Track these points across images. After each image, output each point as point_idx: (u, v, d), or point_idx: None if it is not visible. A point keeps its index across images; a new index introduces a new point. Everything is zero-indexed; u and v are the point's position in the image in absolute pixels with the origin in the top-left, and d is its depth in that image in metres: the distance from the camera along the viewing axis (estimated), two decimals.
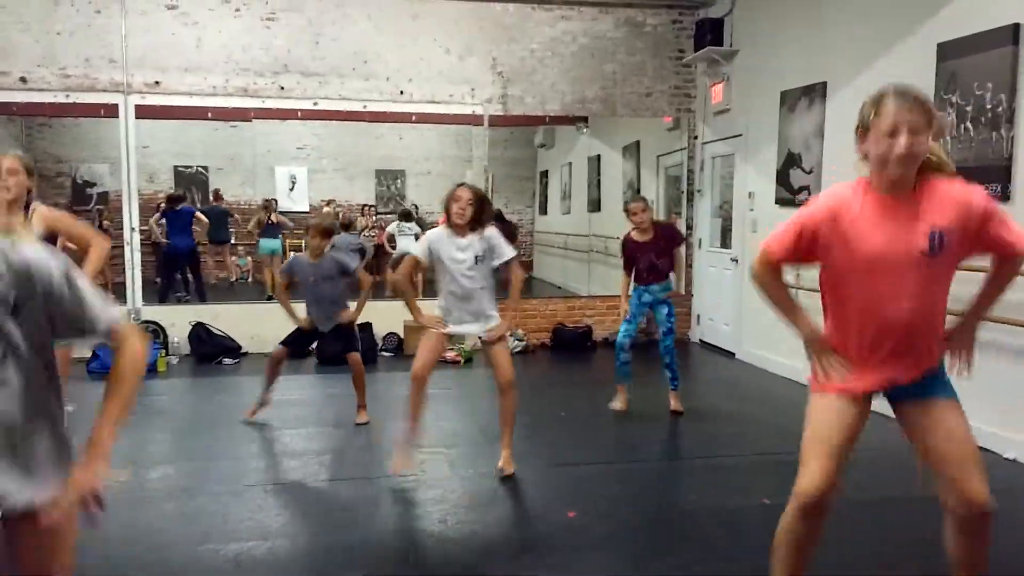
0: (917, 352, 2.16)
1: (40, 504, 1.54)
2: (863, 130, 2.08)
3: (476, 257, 3.86)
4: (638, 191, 9.43)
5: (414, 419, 3.99)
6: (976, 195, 2.09)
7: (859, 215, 2.10)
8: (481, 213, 3.85)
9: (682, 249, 5.24)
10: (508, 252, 3.96)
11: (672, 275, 5.21)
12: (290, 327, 5.02)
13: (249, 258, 10.34)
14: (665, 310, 5.15)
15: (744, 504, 3.59)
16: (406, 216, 9.44)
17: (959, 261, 2.14)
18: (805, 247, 2.17)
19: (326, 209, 10.15)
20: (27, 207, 3.25)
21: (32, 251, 1.51)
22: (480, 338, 4.00)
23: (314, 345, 5.68)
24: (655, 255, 5.10)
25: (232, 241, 10.91)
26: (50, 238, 3.27)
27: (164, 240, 9.01)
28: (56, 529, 1.55)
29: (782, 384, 6.14)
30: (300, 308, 5.03)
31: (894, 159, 2.00)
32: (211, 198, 10.86)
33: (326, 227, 5.05)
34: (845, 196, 2.14)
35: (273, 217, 9.74)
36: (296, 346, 5.09)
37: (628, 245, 5.20)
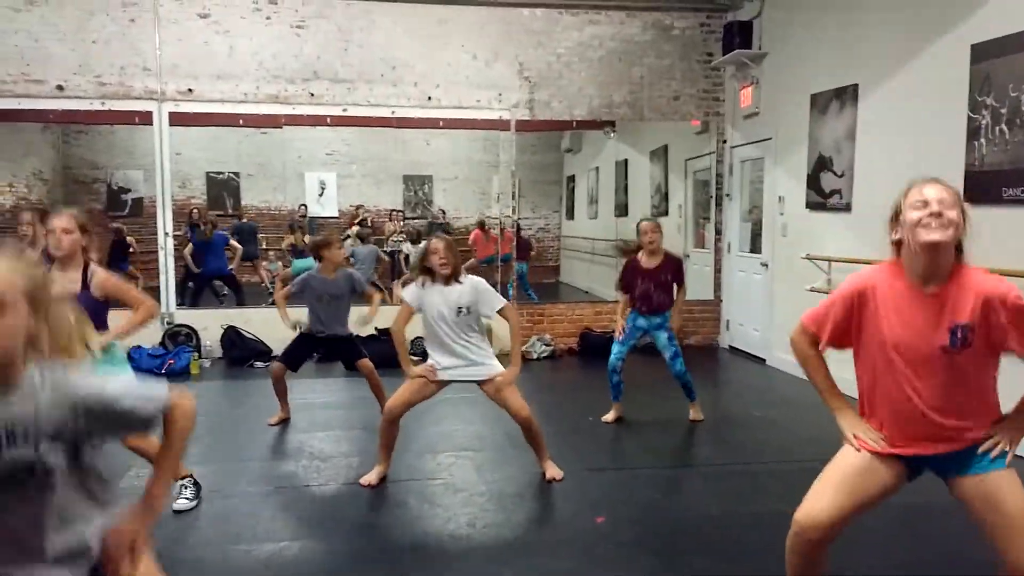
0: (948, 437, 2.10)
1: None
2: (895, 217, 2.10)
3: (460, 309, 3.80)
4: (666, 196, 9.39)
5: (385, 449, 3.99)
6: (1008, 292, 2.03)
7: (884, 301, 2.11)
8: (457, 260, 3.85)
9: (684, 289, 5.11)
10: (498, 302, 3.88)
11: (670, 312, 5.04)
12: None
13: (280, 263, 10.47)
14: (664, 335, 5.02)
15: (773, 510, 3.53)
16: (418, 239, 9.61)
17: (995, 353, 2.08)
18: (836, 325, 2.20)
19: (355, 227, 10.27)
20: (86, 267, 3.31)
21: (82, 380, 1.56)
22: (479, 384, 3.92)
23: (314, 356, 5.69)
24: (654, 285, 4.96)
25: (264, 247, 11.05)
26: (107, 301, 3.36)
27: (196, 269, 8.97)
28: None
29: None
30: (294, 312, 5.17)
31: (925, 222, 1.99)
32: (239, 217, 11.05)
33: (318, 243, 5.13)
34: (874, 278, 2.16)
35: (307, 238, 9.77)
36: (293, 360, 5.11)
37: (629, 268, 5.06)
